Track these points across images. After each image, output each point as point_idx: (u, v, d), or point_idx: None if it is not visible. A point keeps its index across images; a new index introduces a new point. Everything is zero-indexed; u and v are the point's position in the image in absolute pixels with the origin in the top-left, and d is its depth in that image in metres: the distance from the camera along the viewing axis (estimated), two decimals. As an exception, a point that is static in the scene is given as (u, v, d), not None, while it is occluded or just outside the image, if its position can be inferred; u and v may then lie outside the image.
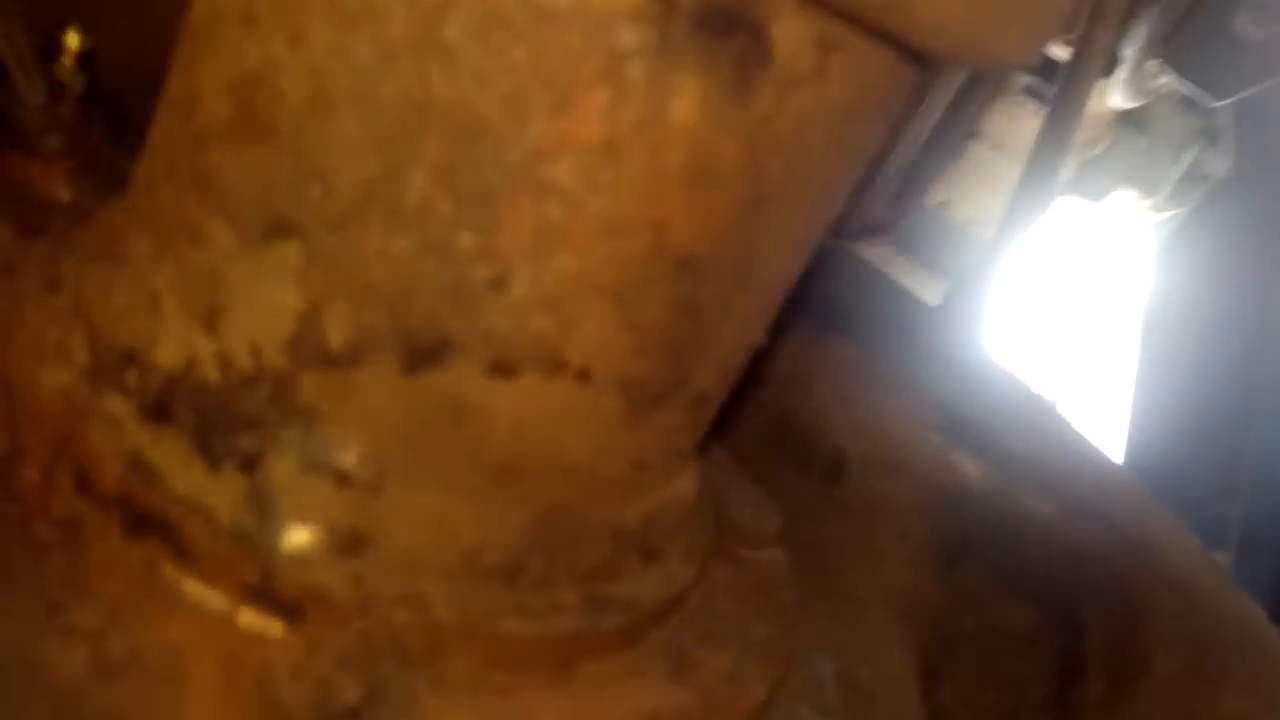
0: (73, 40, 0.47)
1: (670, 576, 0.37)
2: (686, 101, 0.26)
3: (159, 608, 0.27)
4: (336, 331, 0.29)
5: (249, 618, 0.28)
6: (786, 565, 0.46)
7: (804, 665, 0.43)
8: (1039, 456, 0.58)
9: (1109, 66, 0.93)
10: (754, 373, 0.65)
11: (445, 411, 0.29)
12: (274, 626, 0.28)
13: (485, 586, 0.30)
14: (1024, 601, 0.55)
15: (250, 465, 0.29)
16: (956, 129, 1.17)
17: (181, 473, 0.29)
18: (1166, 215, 1.26)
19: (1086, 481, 0.58)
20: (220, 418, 0.29)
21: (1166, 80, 1.03)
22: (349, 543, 0.29)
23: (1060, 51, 0.84)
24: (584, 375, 0.30)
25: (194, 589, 0.28)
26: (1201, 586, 0.53)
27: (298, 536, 0.28)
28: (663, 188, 0.28)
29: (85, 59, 0.48)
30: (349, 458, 0.29)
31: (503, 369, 0.29)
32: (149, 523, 0.28)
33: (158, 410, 0.30)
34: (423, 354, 0.29)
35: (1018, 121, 1.19)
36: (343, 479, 0.29)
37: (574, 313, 0.29)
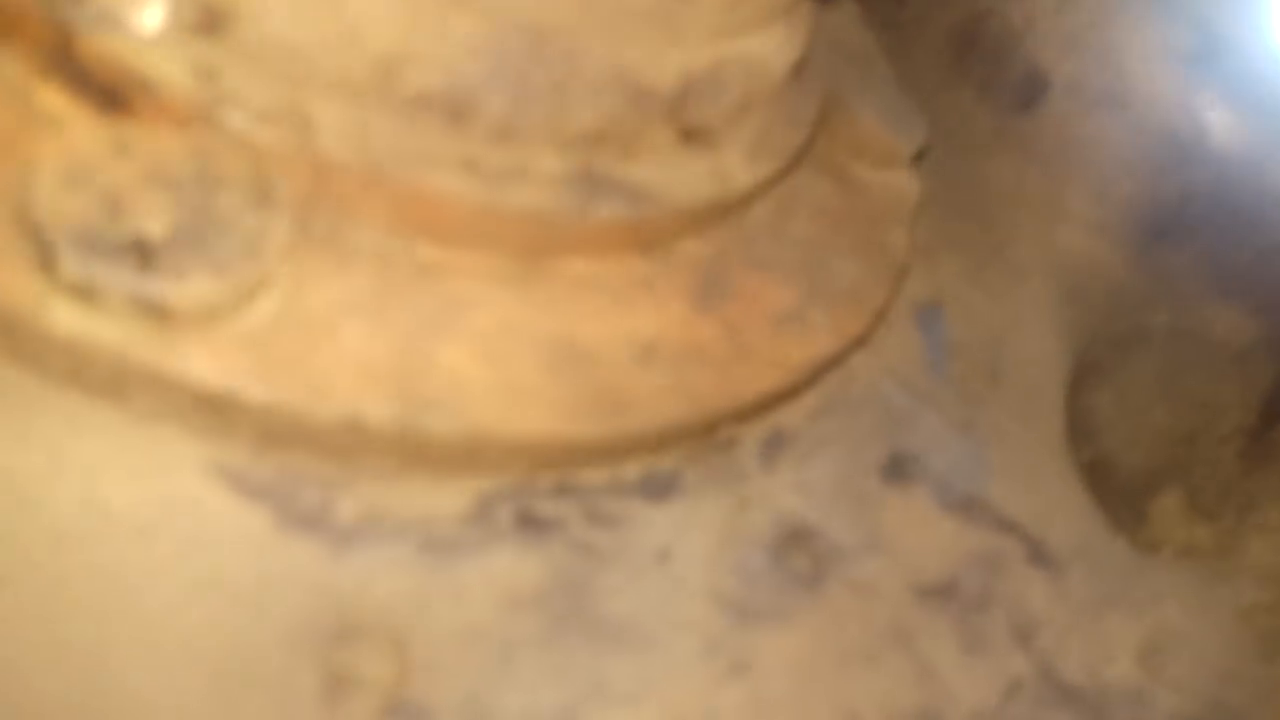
0: None
1: (720, 171, 0.28)
2: None
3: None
4: None
5: (47, 96, 0.21)
6: (915, 197, 0.36)
7: (906, 326, 0.34)
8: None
9: None
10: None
11: None
12: (78, 115, 0.20)
13: (409, 120, 0.22)
14: (1240, 306, 0.44)
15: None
16: None
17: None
18: None
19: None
20: None
21: None
22: (199, 18, 0.21)
23: None
24: None
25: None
26: None
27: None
28: None
29: None
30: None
31: None
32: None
33: None
34: None
35: None
36: None
37: None
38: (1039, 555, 0.32)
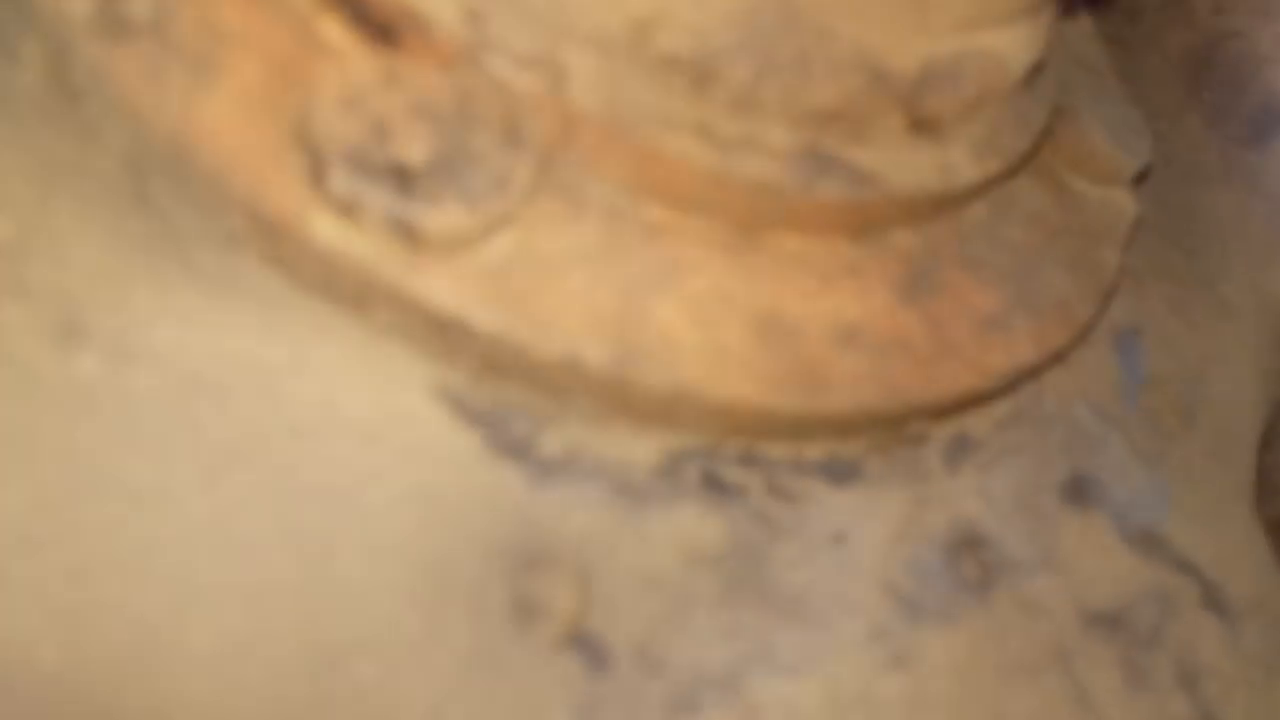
0: None
1: (945, 164, 0.29)
2: None
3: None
4: None
5: (327, 27, 0.23)
6: (1131, 216, 0.36)
7: (1104, 349, 0.34)
8: None
9: None
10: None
11: None
12: (354, 46, 0.23)
13: (654, 80, 0.24)
14: None
15: None
16: None
17: None
18: None
19: None
20: None
21: None
22: (469, -33, 0.22)
23: None
24: None
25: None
26: None
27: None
28: None
29: None
30: None
31: None
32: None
33: None
34: None
35: None
36: None
37: None
38: (1214, 602, 0.32)
